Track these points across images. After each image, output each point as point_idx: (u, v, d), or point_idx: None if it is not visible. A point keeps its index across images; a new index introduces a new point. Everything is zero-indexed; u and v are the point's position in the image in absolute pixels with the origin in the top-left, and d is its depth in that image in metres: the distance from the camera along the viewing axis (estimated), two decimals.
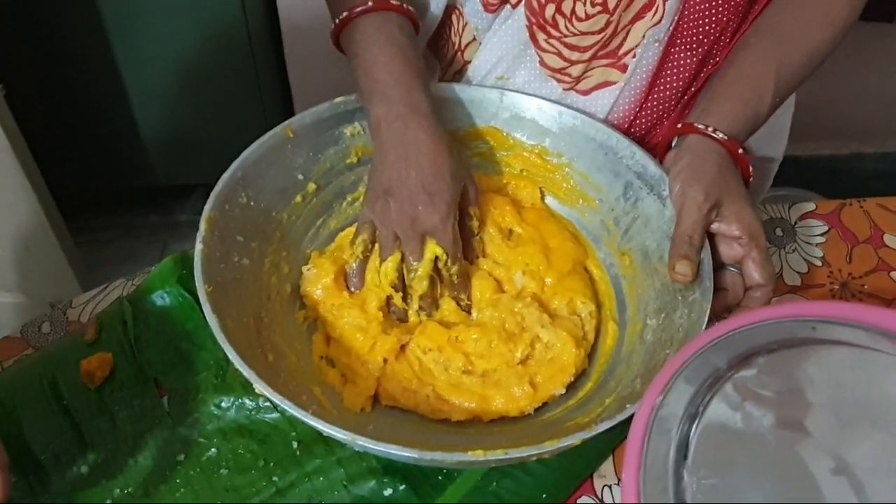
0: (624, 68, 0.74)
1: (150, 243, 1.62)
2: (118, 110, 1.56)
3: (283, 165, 0.69)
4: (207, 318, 0.56)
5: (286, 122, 0.69)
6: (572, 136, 0.72)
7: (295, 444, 0.62)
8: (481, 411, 0.63)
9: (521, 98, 0.73)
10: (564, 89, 0.75)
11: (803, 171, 1.71)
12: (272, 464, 0.61)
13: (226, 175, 0.65)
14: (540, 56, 0.74)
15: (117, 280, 0.73)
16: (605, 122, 0.73)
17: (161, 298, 0.70)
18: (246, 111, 1.58)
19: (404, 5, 0.67)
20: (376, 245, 0.67)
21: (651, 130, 0.78)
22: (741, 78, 0.67)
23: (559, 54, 0.73)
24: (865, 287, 0.72)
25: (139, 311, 0.69)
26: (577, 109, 0.74)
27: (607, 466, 0.61)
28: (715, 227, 0.62)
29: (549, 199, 0.77)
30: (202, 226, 0.61)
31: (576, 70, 0.74)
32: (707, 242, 0.62)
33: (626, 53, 0.73)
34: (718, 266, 0.62)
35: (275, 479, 0.60)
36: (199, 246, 0.60)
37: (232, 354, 0.54)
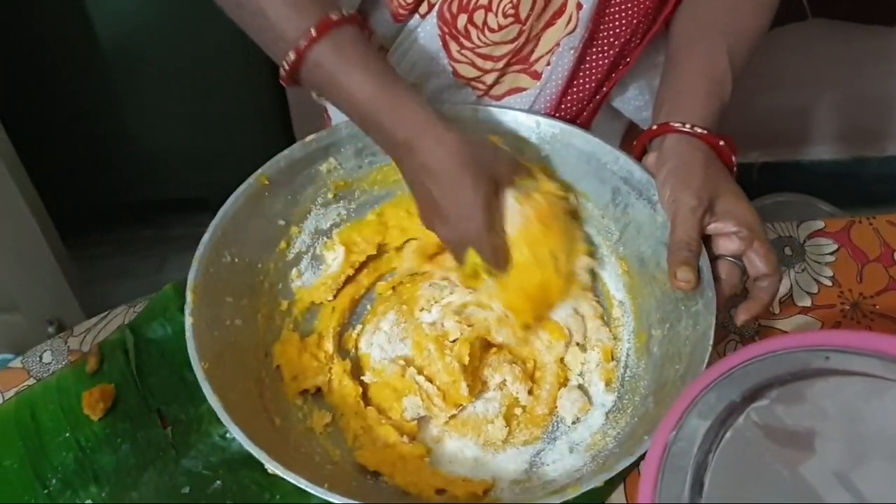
0: (535, 75, 0.74)
1: (146, 258, 1.60)
2: (113, 125, 1.54)
3: (262, 215, 0.66)
4: (208, 397, 0.53)
5: (259, 171, 0.66)
6: (552, 145, 0.70)
7: None
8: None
9: (495, 112, 0.70)
10: (478, 96, 0.76)
11: (805, 176, 1.71)
12: (278, 496, 0.60)
13: (205, 238, 0.61)
14: (453, 67, 0.74)
15: (118, 307, 0.72)
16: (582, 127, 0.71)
17: (162, 327, 0.69)
18: (242, 123, 1.56)
19: (344, 13, 0.61)
20: None
21: None
22: (699, 72, 0.67)
23: (472, 64, 0.73)
24: (877, 307, 0.71)
25: (140, 339, 0.68)
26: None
27: (618, 496, 0.60)
28: (712, 227, 0.61)
29: None
30: (189, 296, 0.58)
31: (489, 78, 0.74)
32: (703, 248, 0.60)
33: (537, 60, 0.73)
34: (714, 257, 0.61)
35: None
36: (188, 320, 0.57)
37: (242, 437, 0.52)
